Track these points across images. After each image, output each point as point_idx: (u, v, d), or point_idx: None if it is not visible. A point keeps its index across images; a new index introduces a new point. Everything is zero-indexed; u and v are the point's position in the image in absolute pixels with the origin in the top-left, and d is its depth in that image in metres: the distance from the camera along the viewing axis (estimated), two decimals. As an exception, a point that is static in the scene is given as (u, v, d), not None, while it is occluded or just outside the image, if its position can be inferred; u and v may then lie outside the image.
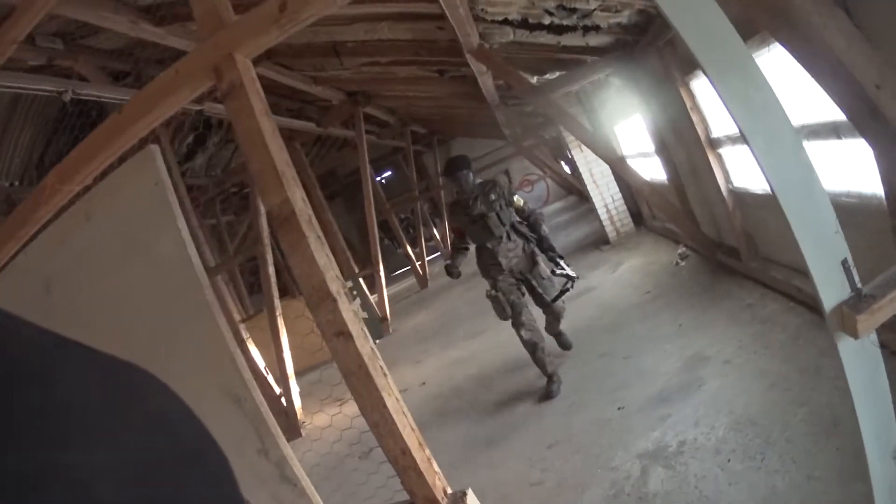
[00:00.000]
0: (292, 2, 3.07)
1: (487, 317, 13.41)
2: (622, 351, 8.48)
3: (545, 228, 8.62)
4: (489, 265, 8.50)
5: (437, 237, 30.64)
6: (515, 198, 8.52)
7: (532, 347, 8.35)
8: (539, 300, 8.67)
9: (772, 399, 5.62)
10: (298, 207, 3.11)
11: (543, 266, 8.53)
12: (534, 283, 8.55)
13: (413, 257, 24.49)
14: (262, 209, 8.86)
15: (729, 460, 5.10)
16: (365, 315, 16.53)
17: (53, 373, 0.58)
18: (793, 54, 3.72)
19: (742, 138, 2.80)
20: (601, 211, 15.54)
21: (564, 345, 9.60)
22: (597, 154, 11.61)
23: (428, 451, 3.38)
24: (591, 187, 15.50)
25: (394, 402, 3.24)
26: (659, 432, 6.03)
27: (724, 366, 6.72)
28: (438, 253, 30.15)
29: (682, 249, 11.57)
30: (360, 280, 17.01)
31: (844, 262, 2.76)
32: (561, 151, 22.68)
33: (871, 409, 2.93)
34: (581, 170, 15.36)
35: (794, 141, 2.73)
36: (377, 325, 16.83)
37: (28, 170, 11.46)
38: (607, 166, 14.56)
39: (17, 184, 11.42)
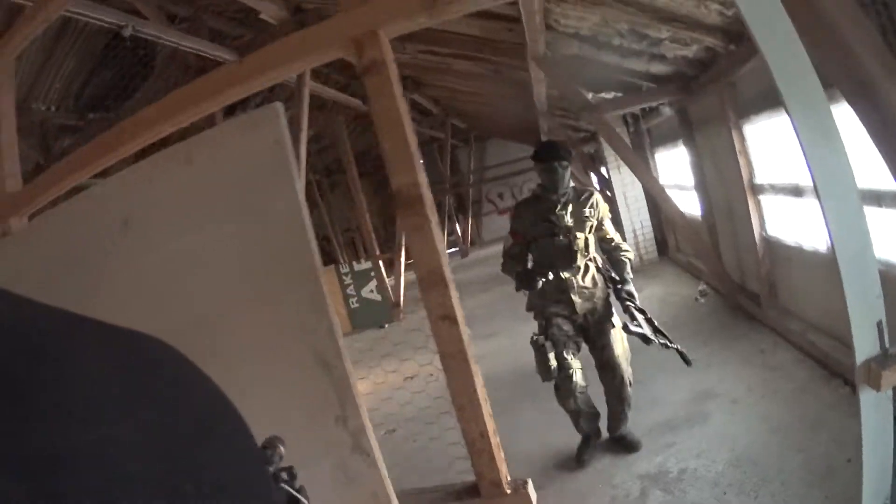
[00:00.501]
0: None
1: (502, 319, 13.52)
2: (636, 375, 8.52)
3: (630, 272, 6.52)
4: (551, 301, 6.32)
5: (459, 233, 30.72)
6: (606, 222, 6.45)
7: (578, 417, 6.63)
8: (603, 364, 6.51)
9: (772, 442, 5.78)
10: (425, 191, 3.21)
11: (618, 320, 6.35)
12: (600, 340, 6.44)
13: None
14: (301, 182, 9.03)
15: (725, 493, 5.28)
16: (379, 298, 16.65)
17: (72, 351, 0.60)
18: (860, 118, 3.84)
19: (814, 193, 2.95)
20: (629, 234, 15.59)
21: (630, 445, 6.70)
22: (639, 178, 11.68)
23: (498, 439, 3.51)
24: (622, 210, 15.53)
25: (481, 388, 3.38)
26: (662, 458, 6.20)
27: (732, 405, 6.88)
28: (457, 248, 30.23)
29: (703, 286, 11.64)
30: (380, 262, 17.07)
31: (879, 324, 2.95)
32: (595, 168, 22.71)
33: (875, 459, 3.14)
34: (616, 191, 15.42)
35: (859, 205, 2.91)
36: (389, 310, 16.93)
37: (66, 98, 11.54)
38: (641, 192, 14.66)
39: (53, 109, 11.53)
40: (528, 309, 6.73)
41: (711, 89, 8.93)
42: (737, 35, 7.10)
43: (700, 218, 11.59)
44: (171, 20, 10.24)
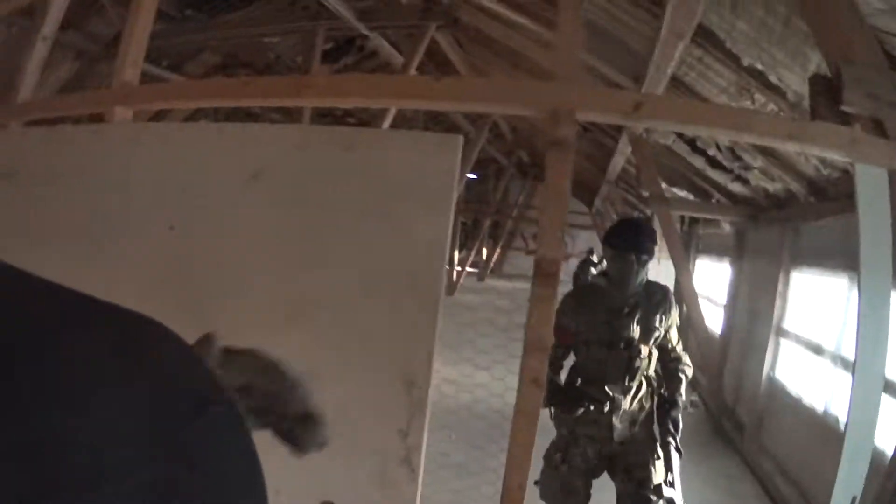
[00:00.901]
0: (647, 107, 3.33)
1: (500, 351, 13.33)
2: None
3: (684, 393, 5.28)
4: (585, 421, 5.01)
5: (484, 257, 30.82)
6: (673, 330, 5.26)
7: None
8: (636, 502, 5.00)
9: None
10: (559, 267, 3.41)
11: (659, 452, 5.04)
12: (638, 472, 5.03)
13: (455, 261, 24.69)
14: None
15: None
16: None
17: (66, 331, 0.60)
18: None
19: (853, 364, 3.25)
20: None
21: None
22: (679, 277, 11.83)
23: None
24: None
25: (530, 444, 3.56)
26: None
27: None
28: (476, 270, 30.35)
29: (695, 397, 11.78)
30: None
31: (854, 500, 3.32)
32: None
33: None
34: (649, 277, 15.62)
35: (881, 387, 3.25)
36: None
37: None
38: (671, 286, 14.85)
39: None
40: (553, 417, 5.20)
41: (776, 227, 9.25)
42: (821, 190, 7.45)
43: (718, 334, 11.86)
44: None
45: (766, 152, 7.54)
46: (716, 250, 13.27)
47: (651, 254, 4.90)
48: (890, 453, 5.31)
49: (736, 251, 11.27)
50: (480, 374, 12.36)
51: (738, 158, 8.41)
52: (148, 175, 3.45)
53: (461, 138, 3.15)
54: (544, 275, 3.40)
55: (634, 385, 4.93)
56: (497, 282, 30.98)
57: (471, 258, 26.29)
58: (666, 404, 5.08)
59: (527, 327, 3.46)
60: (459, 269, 24.92)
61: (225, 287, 3.33)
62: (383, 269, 3.09)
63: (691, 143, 9.05)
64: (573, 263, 34.32)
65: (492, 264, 32.58)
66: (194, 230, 3.35)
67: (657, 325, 4.94)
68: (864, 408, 3.23)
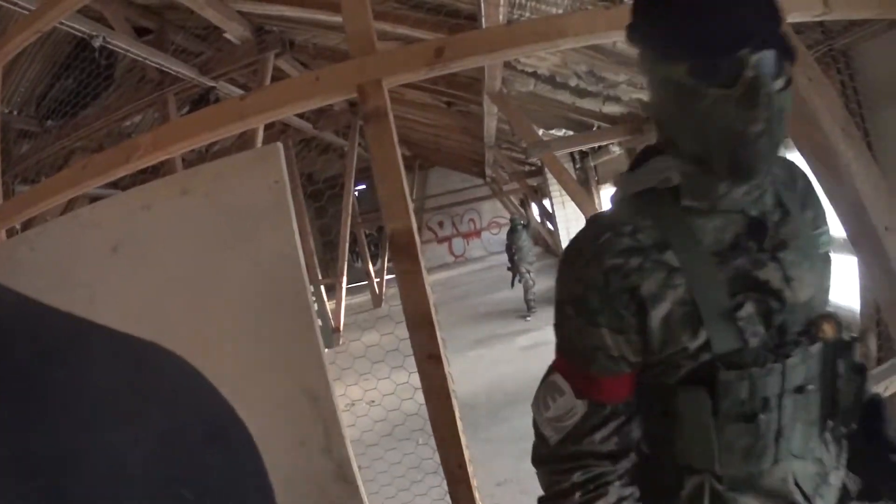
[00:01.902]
0: (450, 49, 3.25)
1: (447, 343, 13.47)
2: None
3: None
4: None
5: (399, 260, 30.79)
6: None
7: None
8: None
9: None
10: (415, 237, 3.29)
11: None
12: None
13: (372, 274, 24.60)
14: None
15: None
16: (319, 322, 16.54)
17: (82, 355, 0.61)
18: (818, 178, 3.97)
19: None
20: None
21: None
22: (584, 213, 11.84)
23: (472, 469, 3.58)
24: (565, 243, 15.83)
25: (459, 421, 3.45)
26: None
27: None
28: (395, 276, 30.27)
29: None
30: (322, 287, 17.04)
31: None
32: (537, 200, 22.97)
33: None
34: (560, 225, 15.75)
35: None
36: (329, 335, 16.83)
37: (28, 103, 11.39)
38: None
39: (15, 113, 11.33)
40: None
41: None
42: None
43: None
44: (138, 32, 10.19)
45: (625, 63, 7.41)
46: (615, 175, 13.12)
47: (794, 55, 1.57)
48: (849, 307, 5.22)
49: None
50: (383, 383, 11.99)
51: (602, 79, 8.30)
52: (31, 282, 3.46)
53: (279, 145, 3.23)
54: (401, 248, 3.34)
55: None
56: (418, 279, 30.63)
57: (385, 266, 26.12)
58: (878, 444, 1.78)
59: (404, 308, 3.41)
60: (378, 280, 24.67)
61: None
62: (251, 290, 3.17)
63: (551, 80, 8.96)
64: (487, 239, 34.85)
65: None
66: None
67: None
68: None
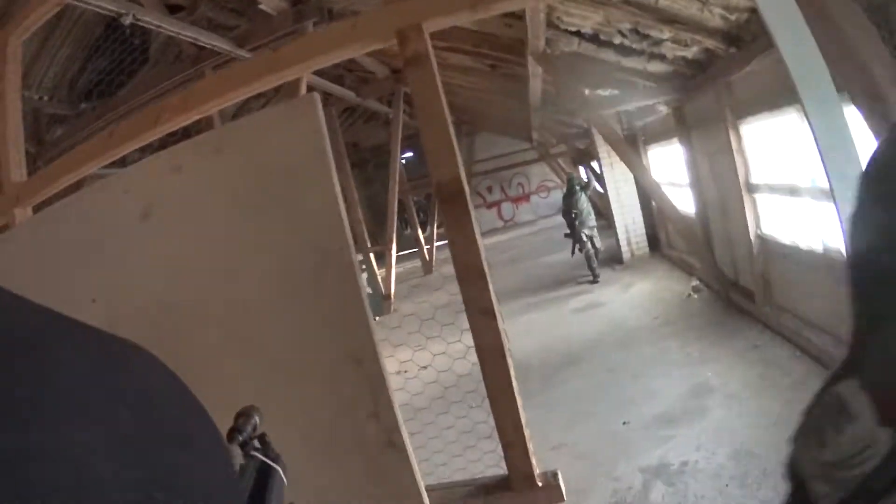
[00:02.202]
0: None
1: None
2: (631, 368, 8.71)
3: None
4: None
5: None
6: None
7: None
8: None
9: (772, 435, 5.86)
10: (466, 186, 3.25)
11: None
12: None
13: (423, 241, 24.58)
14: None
15: (727, 485, 5.38)
16: (369, 290, 16.60)
17: (47, 350, 0.59)
18: (867, 124, 3.92)
19: (830, 194, 3.01)
20: (620, 230, 15.75)
21: None
22: (634, 173, 11.76)
23: (529, 432, 3.55)
24: (615, 206, 15.74)
25: (514, 381, 3.41)
26: (662, 450, 6.27)
27: (729, 399, 6.97)
28: (446, 241, 30.22)
29: (696, 282, 11.75)
30: (371, 255, 17.06)
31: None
32: (585, 162, 22.76)
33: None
34: (608, 186, 15.54)
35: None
36: (380, 302, 16.90)
37: (60, 87, 11.47)
38: (633, 188, 14.78)
39: (46, 98, 11.46)
40: None
41: (709, 89, 9.01)
42: (736, 38, 7.19)
43: (694, 215, 11.68)
44: (170, 10, 10.12)
45: (669, 21, 7.32)
46: (662, 136, 13.05)
47: None
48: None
49: (680, 128, 11.09)
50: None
51: (646, 37, 8.20)
52: (68, 252, 3.43)
53: (315, 95, 3.09)
54: (449, 198, 3.31)
55: None
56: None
57: (434, 232, 26.04)
58: None
59: (454, 260, 3.34)
60: (428, 247, 24.65)
61: (175, 325, 3.22)
62: (292, 248, 3.08)
63: (594, 39, 8.86)
64: (536, 203, 34.62)
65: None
66: (116, 295, 3.33)
67: None
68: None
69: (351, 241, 3.08)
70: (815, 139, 2.94)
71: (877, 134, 3.88)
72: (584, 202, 15.18)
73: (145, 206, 3.24)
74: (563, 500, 3.47)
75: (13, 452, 0.48)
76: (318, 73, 15.40)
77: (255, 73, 3.74)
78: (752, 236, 9.00)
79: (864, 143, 4.94)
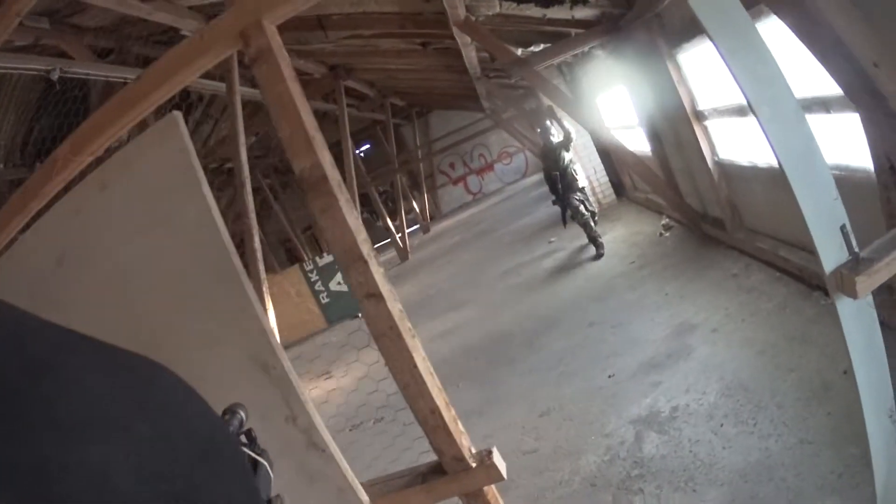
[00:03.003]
0: None
1: (469, 289, 13.61)
2: (610, 320, 8.62)
3: None
4: None
5: (417, 210, 30.78)
6: None
7: None
8: None
9: (761, 366, 5.73)
10: (328, 171, 3.12)
11: None
12: None
13: (393, 230, 24.54)
14: (247, 185, 8.76)
15: (722, 425, 5.22)
16: (346, 289, 16.58)
17: (67, 366, 0.60)
18: (791, 29, 3.79)
19: (749, 109, 2.87)
20: (584, 182, 15.63)
21: None
22: (581, 124, 11.68)
23: (454, 412, 3.44)
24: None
25: (423, 362, 3.30)
26: (651, 399, 6.14)
27: (712, 334, 6.83)
28: (418, 225, 30.31)
29: (665, 220, 11.69)
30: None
31: (843, 228, 2.87)
32: (539, 122, 22.74)
33: (868, 369, 3.04)
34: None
35: (798, 113, 2.83)
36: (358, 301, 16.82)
37: (12, 153, 11.31)
38: (590, 139, 14.65)
39: (1, 167, 11.31)
40: None
41: (639, 25, 8.82)
42: (656, -33, 7.02)
43: (651, 153, 11.55)
44: (100, 55, 10.06)
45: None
46: (606, 80, 12.91)
47: None
48: (863, 167, 4.97)
49: (620, 70, 10.98)
50: (458, 315, 12.38)
51: (561, -15, 8.03)
52: None
53: (176, 114, 3.16)
54: (311, 185, 3.22)
55: None
56: (441, 224, 31.21)
57: (405, 219, 26.02)
58: None
59: (331, 249, 3.32)
60: (400, 234, 24.58)
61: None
62: (178, 265, 3.16)
63: (514, -4, 8.69)
64: (501, 171, 34.66)
65: (428, 212, 32.35)
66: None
67: None
68: (788, 136, 2.84)
69: (232, 248, 3.13)
70: (722, 54, 2.80)
71: (802, 36, 3.75)
72: (566, 159, 12.57)
73: (58, 254, 3.31)
74: (502, 478, 3.37)
75: (34, 468, 0.50)
76: (255, 84, 15.37)
77: (124, 106, 3.67)
78: (709, 164, 8.83)
79: (791, 50, 4.80)
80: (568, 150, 12.56)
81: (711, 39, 2.82)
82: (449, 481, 3.46)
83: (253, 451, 1.39)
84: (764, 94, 2.78)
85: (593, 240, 12.39)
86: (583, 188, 12.79)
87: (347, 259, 3.19)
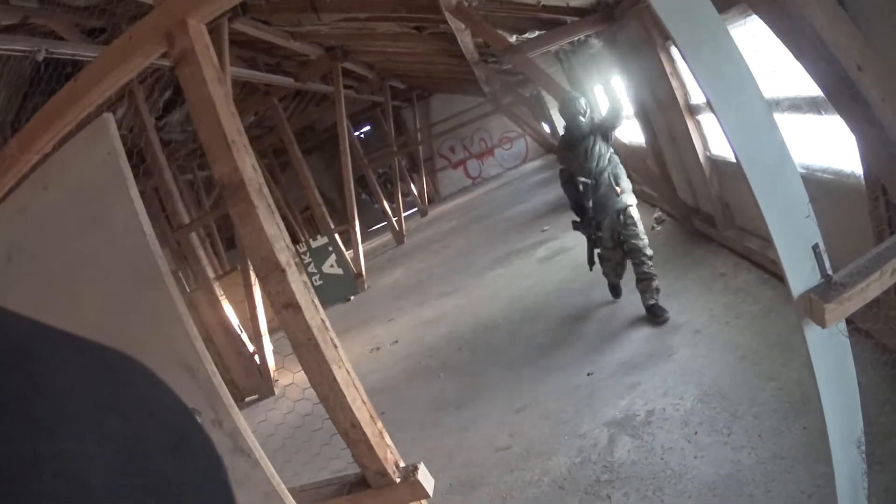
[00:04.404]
0: None
1: (461, 275, 13.55)
2: (595, 315, 8.59)
3: None
4: None
5: (415, 193, 30.77)
6: None
7: None
8: None
9: (741, 372, 5.64)
10: (248, 176, 3.08)
11: None
12: None
13: (390, 212, 24.50)
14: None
15: (696, 433, 5.13)
16: (340, 272, 16.56)
17: (39, 360, 0.60)
18: (772, 29, 3.67)
19: (712, 112, 2.72)
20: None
21: None
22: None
23: (380, 425, 3.39)
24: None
25: (344, 374, 3.24)
26: (627, 400, 6.07)
27: (695, 335, 6.73)
28: (416, 209, 30.31)
29: (658, 213, 11.62)
30: (337, 236, 16.96)
31: (815, 248, 2.68)
32: (541, 110, 22.62)
33: (836, 399, 2.87)
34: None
35: (768, 119, 2.66)
36: (353, 282, 16.88)
37: (3, 130, 11.32)
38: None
39: (-9, 144, 11.27)
40: None
41: (633, 14, 8.70)
42: (647, -44, 6.88)
43: (645, 145, 11.43)
44: (90, 34, 10.09)
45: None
46: (602, 70, 12.76)
47: None
48: (853, 172, 4.83)
49: (616, 59, 10.87)
50: (448, 302, 12.24)
51: (555, -29, 7.91)
52: None
53: (107, 116, 3.15)
54: (230, 190, 3.21)
55: None
56: (439, 207, 31.13)
57: (402, 202, 26.03)
58: None
59: (248, 256, 3.38)
60: (396, 217, 24.54)
61: None
62: (109, 268, 3.18)
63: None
64: (501, 156, 34.68)
65: (426, 195, 32.36)
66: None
67: None
68: (757, 148, 2.67)
69: (158, 252, 3.14)
70: (683, 54, 2.64)
71: (782, 36, 3.61)
72: (599, 154, 7.97)
73: (7, 250, 3.36)
74: (427, 496, 3.31)
75: (7, 464, 0.49)
76: (253, 65, 15.40)
77: (64, 104, 3.68)
78: (701, 159, 8.72)
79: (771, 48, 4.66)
80: (607, 139, 7.96)
81: (669, 32, 2.66)
82: (373, 495, 3.44)
83: None
84: (731, 98, 2.61)
85: (651, 308, 7.60)
86: (628, 206, 7.93)
87: (265, 268, 3.17)
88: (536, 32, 10.83)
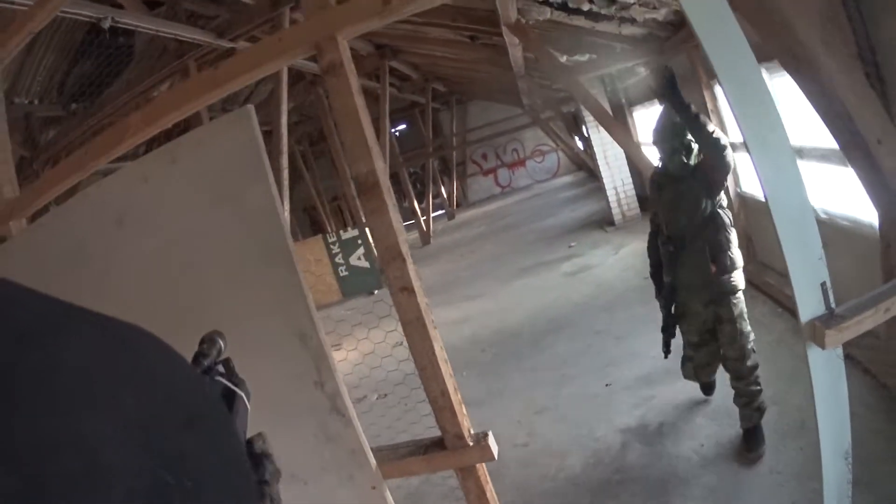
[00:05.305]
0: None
1: (486, 281, 13.70)
2: (616, 331, 8.89)
3: None
4: None
5: (445, 195, 30.83)
6: None
7: None
8: None
9: (749, 395, 5.93)
10: (381, 178, 3.41)
11: None
12: None
13: (419, 212, 24.62)
14: (284, 155, 8.90)
15: (703, 445, 5.54)
16: (367, 265, 16.69)
17: (58, 339, 0.59)
18: (801, 90, 4.01)
19: (747, 151, 3.11)
20: (610, 192, 15.70)
21: None
22: (614, 138, 11.81)
23: (460, 396, 3.73)
24: (603, 168, 15.65)
25: (440, 350, 3.58)
26: (641, 411, 6.44)
27: (710, 358, 7.00)
28: (444, 210, 30.39)
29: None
30: (367, 229, 17.09)
31: (823, 285, 3.13)
32: (576, 127, 22.77)
33: (830, 412, 3.36)
34: (596, 150, 15.52)
35: (793, 166, 3.08)
36: (378, 276, 16.95)
37: (49, 91, 11.66)
38: (622, 150, 14.80)
39: (36, 102, 11.63)
40: None
41: (682, 50, 9.09)
42: None
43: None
44: (149, 6, 10.25)
45: (634, -14, 7.38)
46: (645, 97, 13.07)
47: None
48: (870, 222, 5.18)
49: (660, 89, 11.10)
50: (473, 305, 12.42)
51: (613, 2, 8.23)
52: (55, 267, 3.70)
53: (250, 108, 3.39)
54: (366, 189, 3.51)
55: None
56: (466, 212, 31.27)
57: (430, 203, 26.15)
58: None
59: (375, 245, 3.61)
60: (424, 218, 24.70)
61: (150, 319, 3.38)
62: (238, 243, 3.40)
63: (564, 7, 8.88)
64: (532, 168, 34.63)
65: (455, 199, 32.45)
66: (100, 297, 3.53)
67: None
68: (782, 190, 3.10)
69: (287, 233, 3.39)
70: (729, 100, 3.02)
71: (810, 97, 3.95)
72: (696, 207, 5.40)
73: (119, 214, 3.54)
74: (493, 458, 3.68)
75: (25, 443, 0.50)
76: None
77: (200, 88, 3.97)
78: (732, 195, 9.06)
79: (799, 106, 4.98)
80: (711, 189, 5.32)
81: (719, 80, 3.05)
82: (447, 456, 3.79)
83: (231, 382, 1.36)
84: (765, 141, 3.01)
85: (747, 432, 5.38)
86: (732, 294, 5.53)
87: (389, 255, 3.48)
88: (587, 55, 11.13)
